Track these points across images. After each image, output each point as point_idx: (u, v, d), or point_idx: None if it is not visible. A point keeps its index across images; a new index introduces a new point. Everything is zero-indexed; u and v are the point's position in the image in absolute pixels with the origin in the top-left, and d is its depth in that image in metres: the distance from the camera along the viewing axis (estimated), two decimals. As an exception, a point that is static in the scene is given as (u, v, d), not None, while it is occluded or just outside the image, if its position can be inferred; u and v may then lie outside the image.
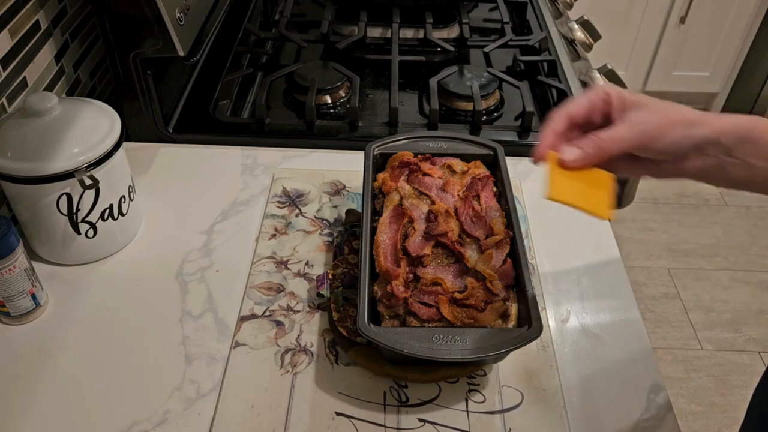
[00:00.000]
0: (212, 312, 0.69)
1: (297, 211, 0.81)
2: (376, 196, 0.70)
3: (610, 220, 0.54)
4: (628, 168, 0.56)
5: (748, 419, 0.79)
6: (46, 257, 0.74)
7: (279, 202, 0.82)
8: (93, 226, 0.71)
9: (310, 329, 0.67)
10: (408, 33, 1.18)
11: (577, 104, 0.54)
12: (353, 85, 0.98)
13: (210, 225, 0.79)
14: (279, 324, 0.67)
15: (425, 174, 0.69)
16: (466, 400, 0.61)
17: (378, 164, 0.73)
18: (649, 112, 0.52)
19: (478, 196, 0.67)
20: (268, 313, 0.68)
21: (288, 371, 0.63)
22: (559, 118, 0.54)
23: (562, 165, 0.53)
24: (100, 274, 0.73)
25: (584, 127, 0.55)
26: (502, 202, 0.68)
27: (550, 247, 0.77)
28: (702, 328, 1.89)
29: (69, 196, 0.68)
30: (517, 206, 0.72)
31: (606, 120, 0.54)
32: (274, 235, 0.78)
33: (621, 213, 2.12)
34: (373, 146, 0.73)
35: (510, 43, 1.12)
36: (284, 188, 0.84)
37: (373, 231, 0.64)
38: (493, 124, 0.98)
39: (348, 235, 0.74)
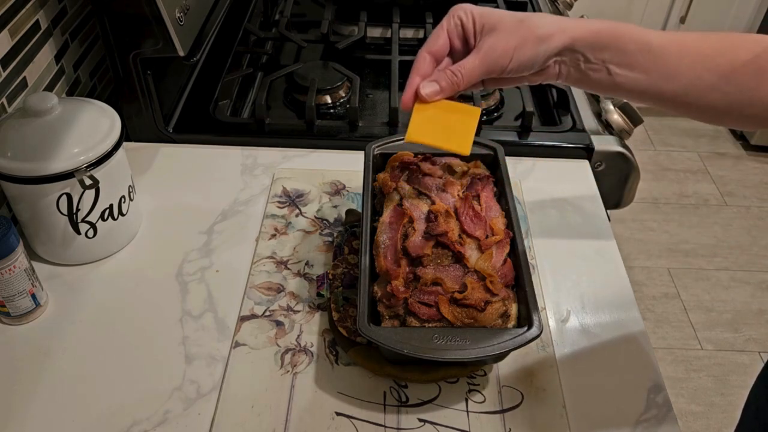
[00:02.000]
0: (212, 312, 0.69)
1: (297, 211, 0.81)
2: (376, 196, 0.70)
3: (466, 155, 0.57)
4: (492, 83, 0.59)
5: (745, 416, 0.79)
6: (46, 257, 0.74)
7: (279, 202, 0.82)
8: (93, 226, 0.71)
9: (310, 329, 0.67)
10: (408, 33, 1.18)
11: (436, 40, 0.56)
12: (353, 85, 0.98)
13: (210, 225, 0.79)
14: (279, 324, 0.67)
15: (425, 174, 0.69)
16: (466, 400, 0.61)
17: (378, 164, 0.73)
18: (500, 36, 0.53)
19: (478, 196, 0.67)
20: (268, 313, 0.68)
21: (288, 371, 0.63)
22: (423, 60, 0.56)
23: (422, 99, 0.54)
24: (100, 274, 0.73)
25: (451, 53, 0.57)
26: (502, 202, 0.68)
27: (550, 247, 0.77)
28: (702, 328, 1.89)
29: (69, 196, 0.68)
30: (517, 206, 0.72)
31: (467, 43, 0.56)
32: (274, 235, 0.78)
33: (621, 213, 2.12)
34: (373, 146, 0.73)
35: (510, 43, 1.12)
36: (284, 188, 0.84)
37: (373, 231, 0.64)
38: (493, 124, 0.98)
39: (348, 235, 0.74)
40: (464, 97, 0.97)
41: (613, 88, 0.57)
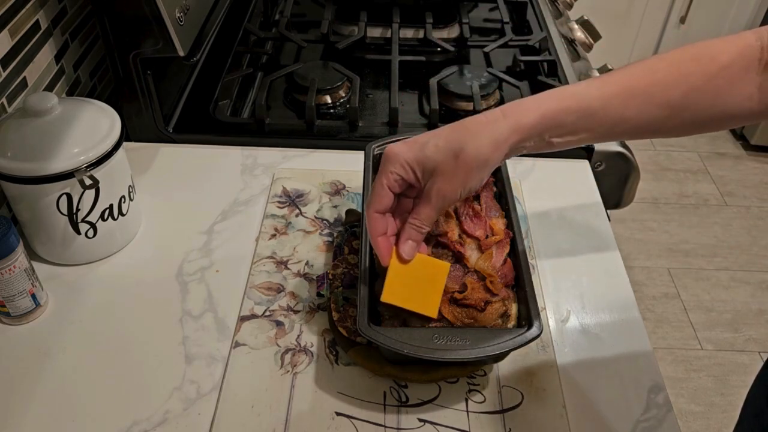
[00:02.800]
0: (212, 312, 0.69)
1: (297, 211, 0.81)
2: (376, 196, 0.70)
3: (434, 318, 0.59)
4: None
5: (744, 416, 0.79)
6: (46, 257, 0.74)
7: (279, 202, 0.82)
8: (93, 226, 0.71)
9: (310, 329, 0.67)
10: (408, 33, 1.18)
11: (381, 199, 0.55)
12: (353, 85, 0.98)
13: (210, 225, 0.79)
14: (279, 324, 0.67)
15: (425, 174, 0.69)
16: (466, 400, 0.61)
17: (378, 164, 0.73)
18: (443, 180, 0.53)
19: (478, 196, 0.67)
20: (268, 313, 0.68)
21: (288, 371, 0.63)
22: (375, 220, 0.56)
23: (401, 259, 0.56)
24: (100, 274, 0.73)
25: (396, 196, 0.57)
26: (502, 202, 0.68)
27: (550, 247, 0.77)
28: (702, 328, 1.89)
29: (69, 196, 0.68)
30: (517, 206, 0.72)
31: (410, 186, 0.56)
32: (274, 235, 0.78)
33: (621, 213, 2.12)
34: (373, 146, 0.73)
35: (510, 43, 1.12)
36: (284, 188, 0.84)
37: (373, 231, 0.64)
38: (493, 124, 0.97)
39: (348, 235, 0.74)
40: (465, 97, 0.97)
41: (557, 149, 0.56)
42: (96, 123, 0.70)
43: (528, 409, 0.60)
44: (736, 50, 0.52)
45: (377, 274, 0.62)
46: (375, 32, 1.19)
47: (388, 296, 0.57)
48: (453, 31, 1.19)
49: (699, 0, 2.37)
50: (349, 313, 0.65)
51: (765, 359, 0.77)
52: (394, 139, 0.74)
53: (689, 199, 2.33)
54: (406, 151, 0.54)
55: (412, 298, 0.57)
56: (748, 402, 0.79)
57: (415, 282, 0.57)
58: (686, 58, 0.53)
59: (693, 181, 2.40)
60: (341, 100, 1.00)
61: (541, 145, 0.54)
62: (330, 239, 0.77)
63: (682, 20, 2.43)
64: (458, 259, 0.62)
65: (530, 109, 0.53)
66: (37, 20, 0.80)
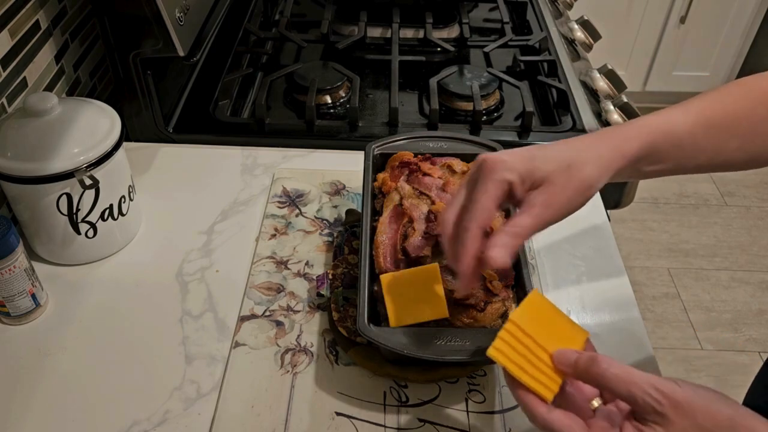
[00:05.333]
0: (212, 312, 0.69)
1: (297, 211, 0.81)
2: (376, 196, 0.70)
3: (447, 317, 0.58)
4: None
5: None
6: (46, 257, 0.74)
7: (279, 202, 0.82)
8: (93, 226, 0.71)
9: (310, 329, 0.67)
10: (408, 33, 1.18)
11: (488, 213, 0.50)
12: (353, 85, 0.98)
13: (210, 225, 0.79)
14: (279, 324, 0.67)
15: (425, 174, 0.69)
16: (466, 400, 0.61)
17: (378, 164, 0.73)
18: (553, 192, 0.50)
19: (478, 196, 0.67)
20: (268, 313, 0.68)
21: (288, 371, 0.63)
22: (475, 239, 0.50)
23: (493, 264, 0.48)
24: (100, 274, 0.73)
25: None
26: (502, 202, 0.68)
27: (550, 247, 0.77)
28: (702, 328, 1.89)
29: (69, 196, 0.68)
30: (517, 206, 0.72)
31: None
32: (274, 235, 0.78)
33: (621, 213, 2.12)
34: (373, 146, 0.73)
35: (510, 43, 1.12)
36: (284, 188, 0.84)
37: (373, 231, 0.64)
38: (493, 124, 0.98)
39: (348, 235, 0.74)
40: (465, 97, 0.97)
41: (640, 179, 0.57)
42: (96, 123, 0.70)
43: (528, 409, 0.60)
44: None
45: (377, 274, 0.62)
46: (375, 32, 1.19)
47: (396, 321, 0.57)
48: (453, 31, 1.19)
49: (699, 0, 2.37)
50: (349, 313, 0.65)
51: (765, 359, 0.77)
52: (394, 139, 0.74)
53: (689, 199, 2.33)
54: (513, 160, 0.50)
55: (419, 311, 0.58)
56: (747, 402, 0.79)
57: (414, 296, 0.58)
58: (754, 89, 0.55)
59: (693, 181, 2.40)
60: (341, 100, 1.01)
61: (633, 174, 0.55)
62: (330, 239, 0.77)
63: (682, 20, 2.43)
64: (458, 259, 0.62)
65: (630, 137, 0.52)
66: (37, 20, 0.80)
